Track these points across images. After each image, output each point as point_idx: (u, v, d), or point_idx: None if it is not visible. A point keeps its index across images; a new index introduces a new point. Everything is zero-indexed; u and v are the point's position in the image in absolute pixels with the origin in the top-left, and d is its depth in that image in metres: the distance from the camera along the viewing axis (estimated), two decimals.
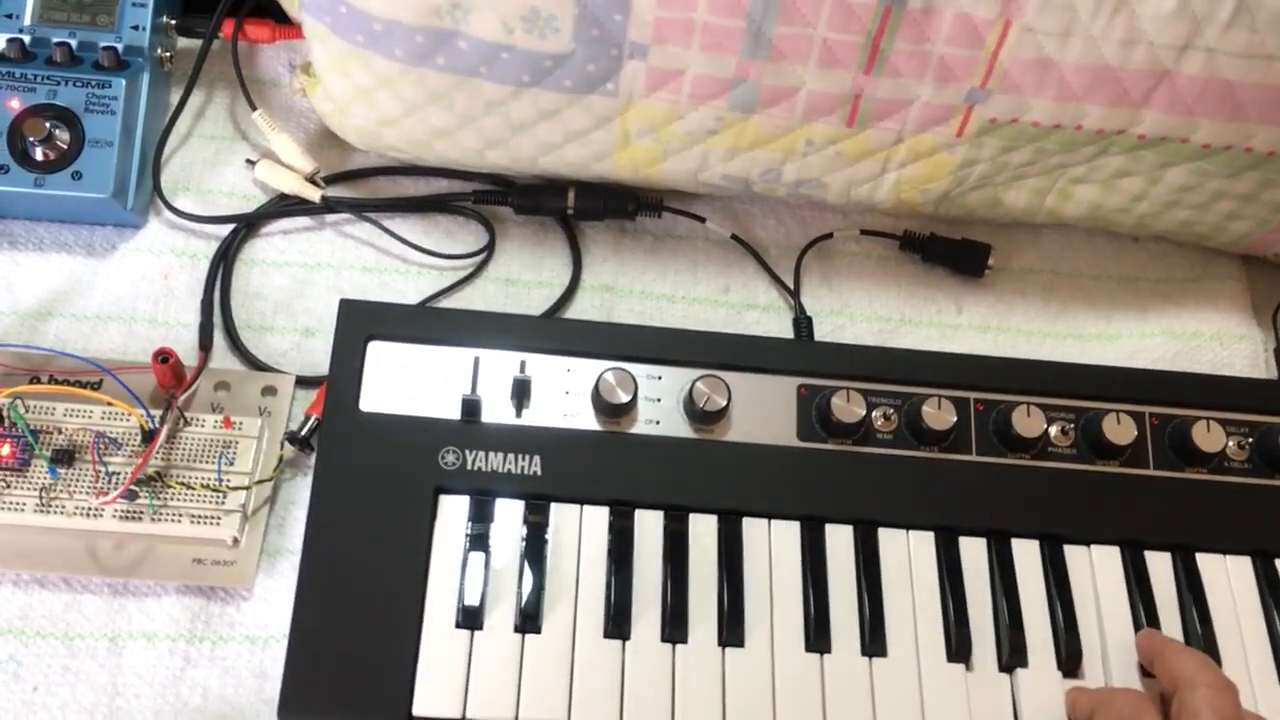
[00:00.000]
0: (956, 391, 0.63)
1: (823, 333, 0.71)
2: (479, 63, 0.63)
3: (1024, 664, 0.58)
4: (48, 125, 0.65)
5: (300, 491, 0.63)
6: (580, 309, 0.71)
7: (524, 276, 0.72)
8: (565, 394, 0.62)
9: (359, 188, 0.74)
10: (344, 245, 0.71)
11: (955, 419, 0.62)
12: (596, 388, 0.61)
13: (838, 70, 0.63)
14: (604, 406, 0.61)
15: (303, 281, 0.70)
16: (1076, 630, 0.59)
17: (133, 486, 0.58)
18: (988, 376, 0.64)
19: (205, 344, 0.66)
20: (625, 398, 0.60)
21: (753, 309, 0.72)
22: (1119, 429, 0.62)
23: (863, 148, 0.67)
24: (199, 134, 0.74)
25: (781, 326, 0.72)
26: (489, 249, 0.72)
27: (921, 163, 0.68)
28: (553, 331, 0.64)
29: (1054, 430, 0.63)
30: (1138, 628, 0.60)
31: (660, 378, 0.63)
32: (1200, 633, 0.59)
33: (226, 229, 0.70)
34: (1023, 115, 0.65)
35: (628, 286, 0.72)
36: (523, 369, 0.62)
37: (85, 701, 0.56)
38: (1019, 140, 0.66)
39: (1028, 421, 0.62)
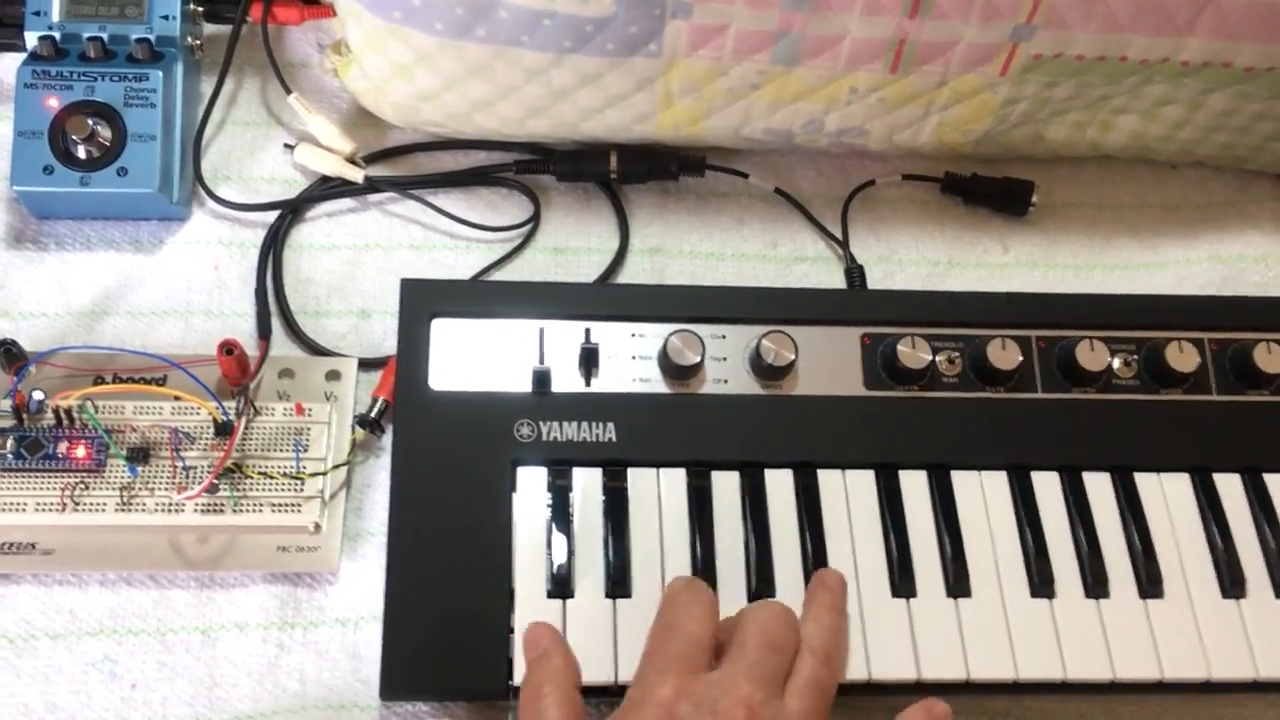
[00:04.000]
0: (1018, 330, 0.64)
1: (872, 280, 0.72)
2: (520, 31, 0.63)
3: (1106, 594, 0.59)
4: (90, 122, 0.64)
5: (374, 474, 0.63)
6: (631, 273, 0.71)
7: (572, 244, 0.72)
8: (632, 359, 0.62)
9: (398, 165, 0.73)
10: (390, 224, 0.71)
11: (1021, 358, 0.62)
12: (664, 351, 0.61)
13: (882, 16, 0.62)
14: (672, 369, 0.61)
15: (353, 263, 0.69)
16: (1155, 557, 0.60)
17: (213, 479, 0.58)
18: (1048, 313, 0.65)
19: (264, 332, 0.66)
20: (694, 359, 0.61)
21: (801, 261, 0.73)
22: (1181, 357, 0.63)
23: (906, 93, 0.67)
24: (233, 121, 0.73)
25: (831, 277, 0.72)
26: (535, 219, 0.72)
27: (964, 104, 0.68)
28: (615, 297, 0.65)
29: (1117, 363, 0.64)
30: (1213, 550, 0.61)
31: (725, 337, 0.63)
32: (1276, 549, 0.60)
33: (272, 216, 0.70)
34: (1067, 49, 0.64)
35: (676, 247, 0.72)
36: (588, 337, 0.62)
37: (184, 695, 0.57)
38: (1062, 75, 0.66)
39: (1091, 356, 0.63)
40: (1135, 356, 0.64)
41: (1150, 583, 0.59)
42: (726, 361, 0.63)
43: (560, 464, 0.60)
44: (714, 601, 0.53)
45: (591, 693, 0.56)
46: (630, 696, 0.50)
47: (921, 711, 0.52)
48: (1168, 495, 0.62)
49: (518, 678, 0.55)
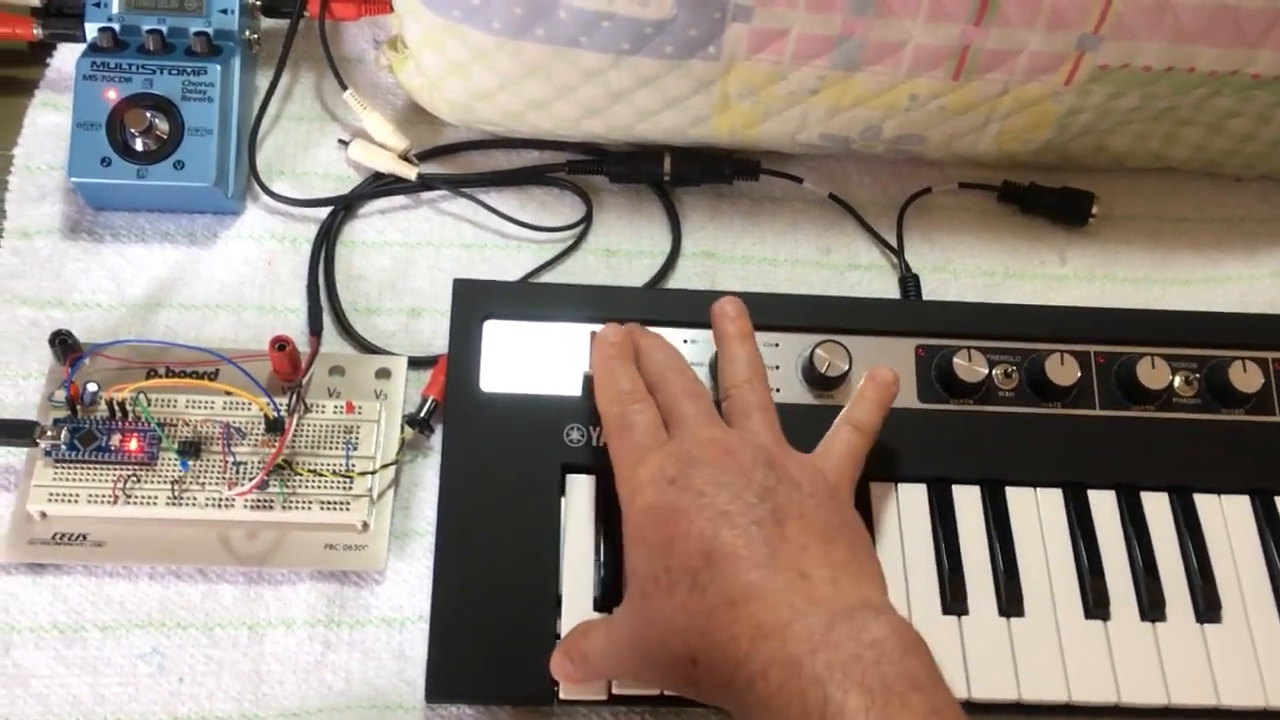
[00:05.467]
0: (1076, 345, 0.63)
1: (927, 290, 0.71)
2: (579, 32, 0.62)
3: (1162, 616, 0.58)
4: (148, 115, 0.64)
5: (422, 473, 0.63)
6: (683, 277, 0.71)
7: (624, 246, 0.71)
8: None
9: (450, 163, 0.73)
10: (442, 222, 0.71)
11: (1079, 374, 0.61)
12: (716, 358, 0.60)
13: (946, 23, 0.61)
14: None
15: (405, 261, 0.69)
16: (1213, 580, 0.59)
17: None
18: (1108, 329, 0.64)
19: (316, 329, 0.66)
20: None
21: (855, 269, 0.72)
22: (1245, 377, 0.62)
23: (967, 101, 0.66)
24: (287, 116, 0.73)
25: (885, 285, 0.71)
26: (587, 220, 0.71)
27: (1026, 113, 0.67)
28: (668, 303, 0.64)
29: (1178, 381, 0.62)
30: (1273, 574, 0.59)
31: (777, 344, 0.62)
32: None
33: (325, 212, 0.70)
34: (1134, 60, 0.63)
35: (728, 252, 0.72)
36: None
37: (231, 690, 0.57)
38: (1129, 86, 0.65)
39: (1152, 373, 0.61)
40: (1197, 375, 0.63)
41: (1208, 607, 0.58)
42: (779, 370, 0.62)
43: (610, 471, 0.59)
44: (641, 386, 0.56)
45: (635, 701, 0.56)
46: (623, 497, 0.53)
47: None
48: (1227, 517, 0.61)
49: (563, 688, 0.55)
